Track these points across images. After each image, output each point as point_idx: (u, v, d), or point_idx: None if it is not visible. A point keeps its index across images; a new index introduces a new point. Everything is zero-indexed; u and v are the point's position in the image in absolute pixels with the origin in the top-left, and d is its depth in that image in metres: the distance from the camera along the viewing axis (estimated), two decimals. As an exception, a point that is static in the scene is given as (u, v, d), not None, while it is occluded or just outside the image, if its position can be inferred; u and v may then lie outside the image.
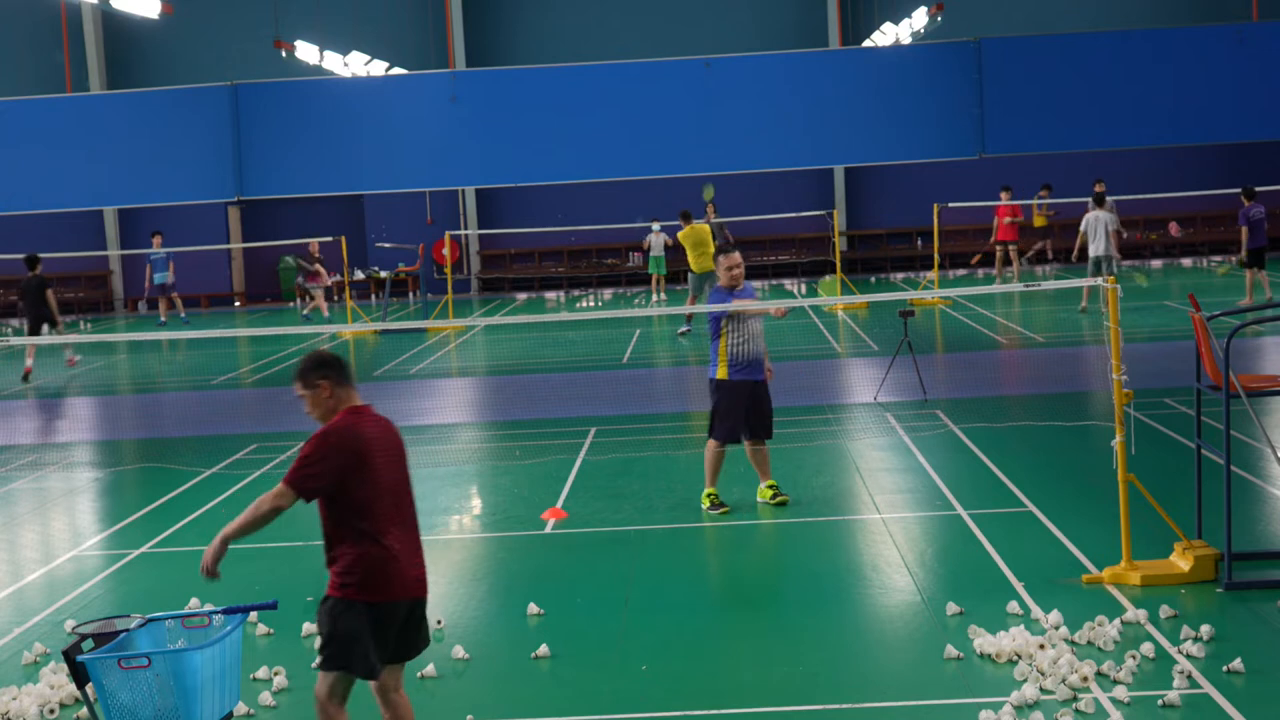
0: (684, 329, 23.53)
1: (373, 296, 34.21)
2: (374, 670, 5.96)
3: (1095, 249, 22.56)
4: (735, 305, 10.70)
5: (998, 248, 29.30)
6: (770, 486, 11.15)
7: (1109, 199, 23.81)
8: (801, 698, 7.19)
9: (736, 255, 10.97)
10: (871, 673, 7.57)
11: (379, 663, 5.98)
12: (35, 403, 19.78)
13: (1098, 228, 22.57)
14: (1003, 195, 28.78)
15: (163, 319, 30.37)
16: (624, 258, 35.26)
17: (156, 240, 30.17)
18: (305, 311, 30.09)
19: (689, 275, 22.98)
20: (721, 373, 10.85)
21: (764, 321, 10.98)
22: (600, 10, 34.87)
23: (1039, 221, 30.48)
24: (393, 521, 5.94)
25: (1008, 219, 28.60)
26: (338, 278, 33.19)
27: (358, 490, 5.89)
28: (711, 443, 10.97)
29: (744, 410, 10.83)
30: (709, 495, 11.07)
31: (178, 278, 30.83)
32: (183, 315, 30.90)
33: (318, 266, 29.48)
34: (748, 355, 10.78)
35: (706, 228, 22.43)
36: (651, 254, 30.95)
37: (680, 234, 22.58)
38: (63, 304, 35.36)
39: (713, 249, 22.19)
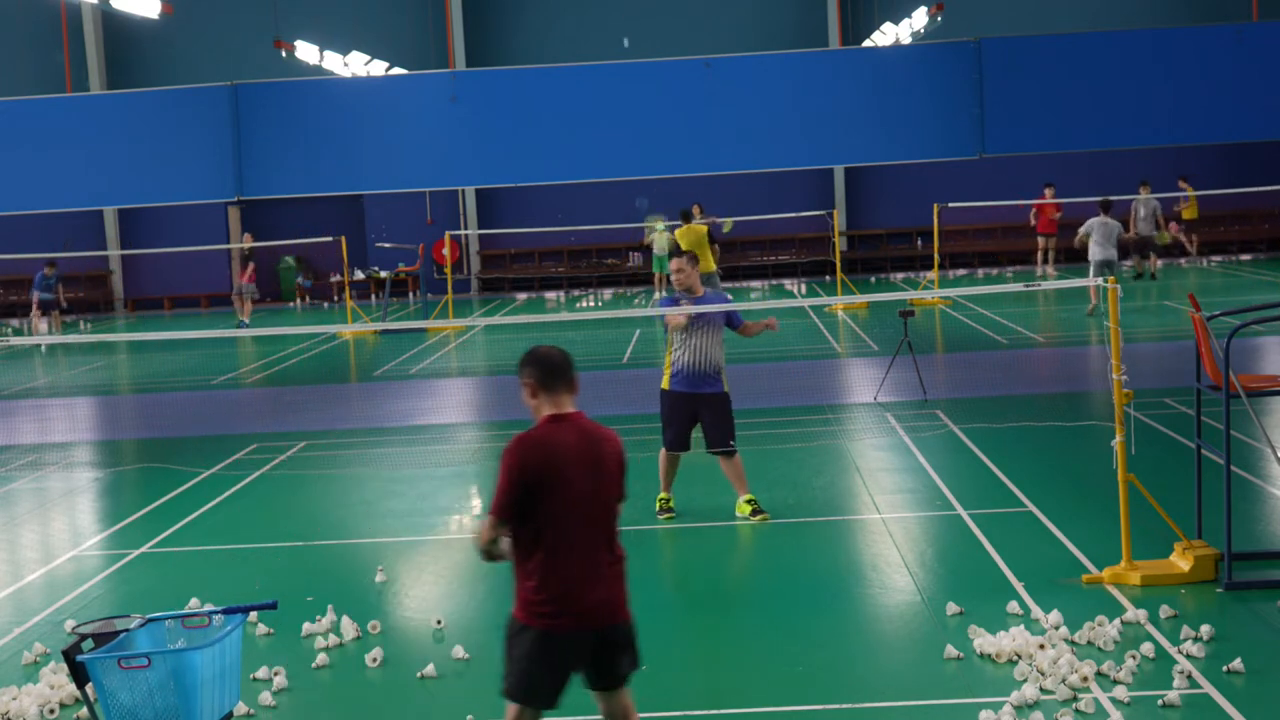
0: None
1: (373, 296, 34.20)
2: (547, 700, 5.58)
3: (1101, 252, 22.52)
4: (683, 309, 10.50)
5: (1039, 239, 30.04)
6: (749, 502, 10.78)
7: (1151, 194, 25.03)
8: (801, 698, 7.19)
9: (681, 259, 10.65)
10: (871, 673, 7.57)
11: (558, 694, 5.60)
12: (35, 403, 19.78)
13: (1105, 231, 22.55)
14: (1047, 192, 29.48)
15: (47, 330, 28.93)
16: (624, 258, 35.26)
17: (49, 270, 29.10)
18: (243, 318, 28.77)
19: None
20: (664, 382, 10.73)
21: (723, 333, 10.68)
22: (600, 10, 34.88)
23: (1189, 213, 31.61)
24: (580, 543, 5.50)
25: (1054, 215, 29.44)
26: (340, 278, 33.23)
27: (540, 508, 5.46)
28: (661, 450, 10.82)
29: (687, 421, 10.63)
30: (660, 500, 10.90)
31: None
32: (37, 330, 29.18)
33: (251, 265, 28.75)
34: (690, 367, 10.52)
35: (704, 228, 22.27)
36: (655, 253, 30.95)
37: (677, 232, 22.42)
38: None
39: (709, 250, 22.12)
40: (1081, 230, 23.07)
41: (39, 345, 27.04)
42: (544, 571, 5.48)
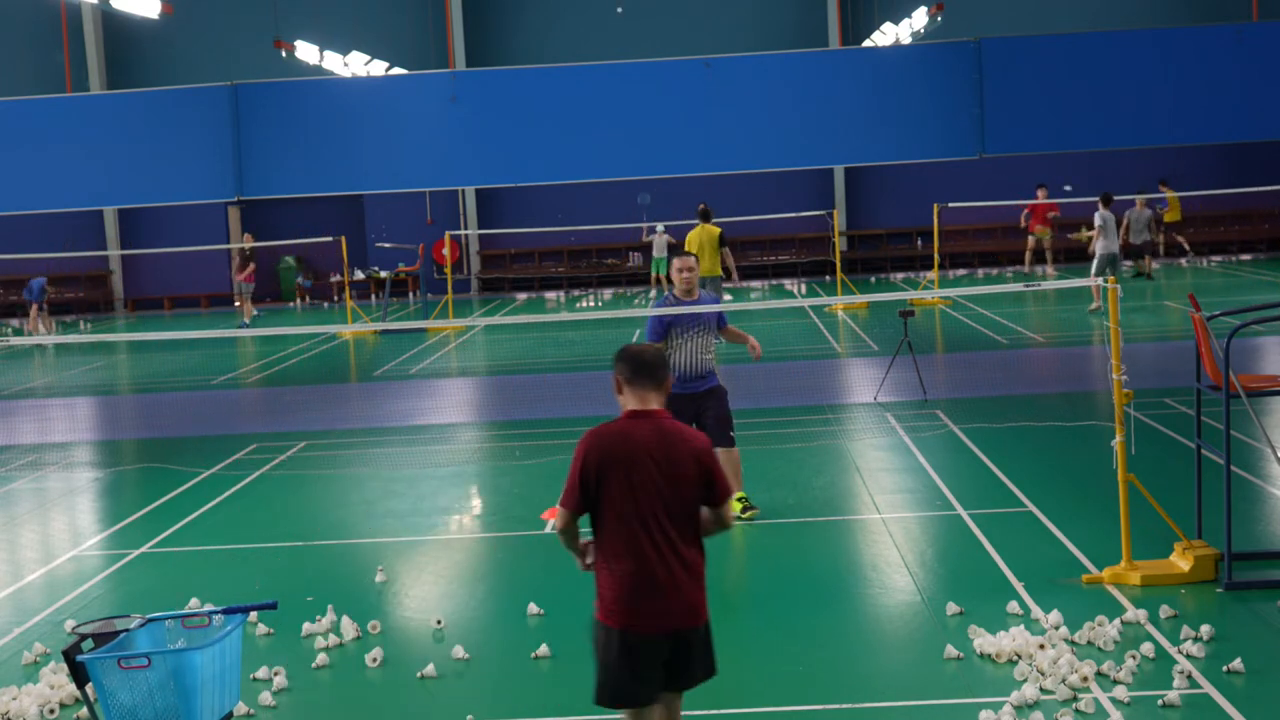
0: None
1: (373, 296, 34.20)
2: (638, 698, 5.49)
3: (1107, 246, 22.50)
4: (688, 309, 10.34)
5: (1030, 238, 30.16)
6: (740, 499, 10.70)
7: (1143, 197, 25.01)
8: (801, 698, 7.19)
9: (690, 259, 10.51)
10: (871, 673, 7.57)
11: (648, 691, 5.50)
12: (35, 403, 19.78)
13: (1109, 226, 22.52)
14: (1039, 193, 29.58)
15: (35, 330, 28.71)
16: (624, 258, 35.26)
17: (51, 288, 29.42)
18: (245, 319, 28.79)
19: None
20: None
21: (714, 334, 10.56)
22: (600, 10, 34.88)
23: (1171, 216, 31.84)
24: (654, 543, 5.41)
25: (1051, 215, 29.63)
26: (339, 278, 33.23)
27: (613, 504, 5.44)
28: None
29: (686, 420, 10.36)
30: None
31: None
32: (39, 331, 28.90)
33: (251, 265, 29.00)
34: (685, 369, 10.38)
35: (718, 230, 21.94)
36: (654, 254, 30.95)
37: (690, 234, 22.04)
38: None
39: (719, 253, 21.91)
40: (1097, 224, 23.03)
41: (38, 345, 27.04)
42: (620, 570, 5.43)
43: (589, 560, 5.61)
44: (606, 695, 5.52)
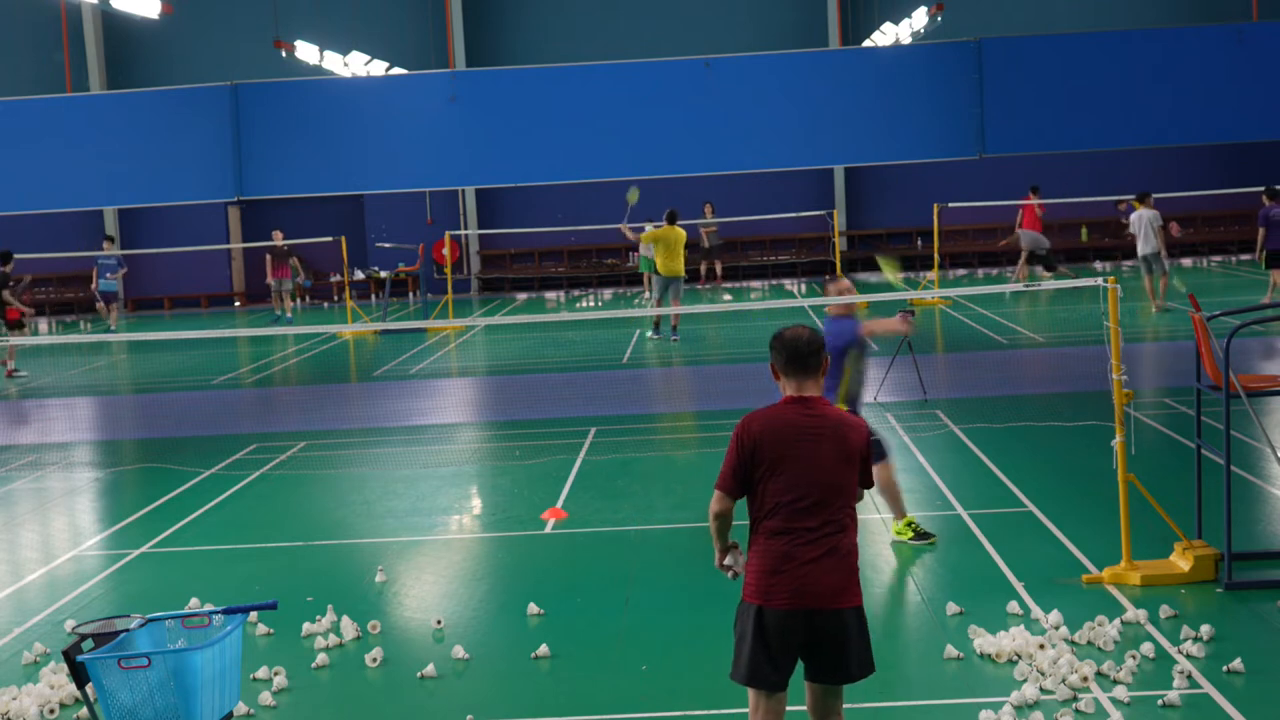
0: (653, 334, 22.30)
1: (373, 296, 34.20)
2: (762, 680, 5.64)
3: (1143, 247, 22.47)
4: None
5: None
6: (908, 524, 9.92)
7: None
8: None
9: (846, 281, 9.87)
10: (871, 673, 7.56)
11: (778, 675, 5.65)
12: (36, 403, 19.78)
13: (1143, 227, 22.46)
14: (1031, 195, 29.57)
15: (113, 326, 28.43)
16: (624, 258, 35.26)
17: (108, 245, 28.62)
18: (280, 311, 28.79)
19: (654, 277, 22.11)
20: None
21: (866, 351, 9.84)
22: (600, 11, 34.88)
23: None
24: (800, 524, 5.53)
25: (1040, 213, 29.65)
26: (337, 278, 33.24)
27: (761, 486, 5.58)
28: (884, 466, 9.74)
29: None
30: (909, 524, 9.92)
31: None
32: (112, 326, 28.60)
33: (293, 261, 28.94)
34: (859, 390, 9.85)
35: (680, 231, 21.66)
36: (641, 253, 30.96)
37: (652, 233, 21.74)
38: (63, 304, 35.46)
39: (682, 253, 21.71)
40: (1131, 229, 22.99)
41: (38, 345, 27.06)
42: (764, 548, 5.58)
43: (728, 561, 5.74)
44: (740, 672, 5.69)
